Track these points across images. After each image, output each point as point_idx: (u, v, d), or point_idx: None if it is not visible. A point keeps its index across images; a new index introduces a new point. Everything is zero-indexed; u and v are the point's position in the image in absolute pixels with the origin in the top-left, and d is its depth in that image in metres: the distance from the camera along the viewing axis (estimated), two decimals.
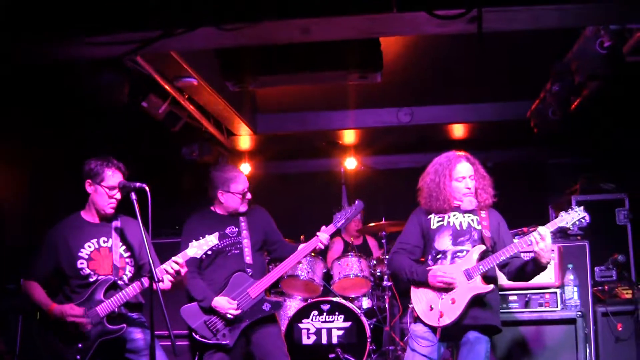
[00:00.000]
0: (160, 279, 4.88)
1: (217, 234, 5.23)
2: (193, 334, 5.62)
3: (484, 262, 5.09)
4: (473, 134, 9.76)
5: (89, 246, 5.03)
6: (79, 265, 4.97)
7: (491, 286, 5.09)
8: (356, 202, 6.00)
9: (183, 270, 4.96)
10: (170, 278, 4.94)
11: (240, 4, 4.33)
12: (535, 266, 5.07)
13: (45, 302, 4.91)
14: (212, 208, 5.94)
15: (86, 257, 5.00)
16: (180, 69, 6.30)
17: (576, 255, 6.91)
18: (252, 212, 5.99)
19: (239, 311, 5.57)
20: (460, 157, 5.37)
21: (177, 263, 4.92)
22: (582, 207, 5.07)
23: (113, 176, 5.03)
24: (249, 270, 5.75)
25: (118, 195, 5.04)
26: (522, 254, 5.22)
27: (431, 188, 5.37)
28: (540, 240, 4.92)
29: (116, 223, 5.17)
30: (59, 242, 5.03)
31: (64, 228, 5.10)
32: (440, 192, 5.32)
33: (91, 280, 4.97)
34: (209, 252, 5.51)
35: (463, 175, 5.31)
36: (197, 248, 5.10)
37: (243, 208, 5.87)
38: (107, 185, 5.01)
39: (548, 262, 5.02)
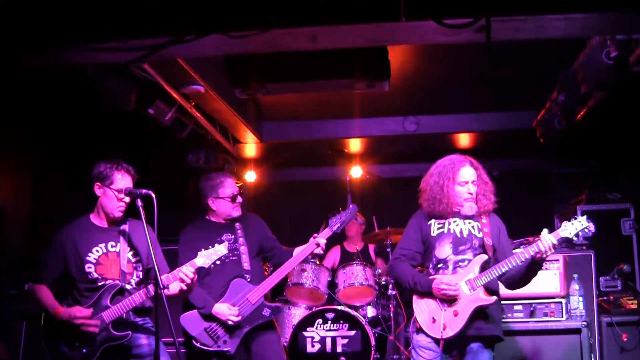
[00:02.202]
0: (166, 285, 4.89)
1: (226, 243, 5.21)
2: (193, 342, 5.61)
3: (486, 272, 5.03)
4: (479, 143, 9.76)
5: (97, 251, 5.02)
6: (87, 270, 4.96)
7: (494, 298, 5.04)
8: (350, 205, 5.98)
9: (195, 277, 4.99)
10: (184, 286, 4.96)
11: (249, 11, 4.34)
12: (531, 269, 5.03)
13: (52, 305, 4.89)
14: (207, 217, 5.95)
15: (94, 261, 4.98)
16: (187, 76, 6.32)
17: (581, 265, 6.91)
18: (247, 219, 6.01)
19: (239, 317, 5.57)
20: (464, 161, 5.32)
21: (191, 272, 4.95)
22: (585, 217, 5.00)
23: (122, 179, 5.01)
24: (247, 276, 5.75)
25: (127, 199, 5.01)
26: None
27: (435, 190, 5.30)
28: (550, 249, 4.88)
29: (124, 227, 5.15)
30: (67, 245, 5.01)
31: (72, 230, 5.08)
32: (443, 195, 5.25)
33: (99, 284, 4.96)
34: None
35: (466, 180, 5.25)
36: (206, 257, 5.06)
37: (236, 212, 5.87)
38: (116, 188, 4.98)
39: (544, 260, 4.98)
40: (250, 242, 5.88)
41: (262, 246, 5.99)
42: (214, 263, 5.19)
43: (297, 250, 5.85)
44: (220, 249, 5.12)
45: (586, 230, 4.99)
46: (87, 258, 4.98)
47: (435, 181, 5.33)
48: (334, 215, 5.94)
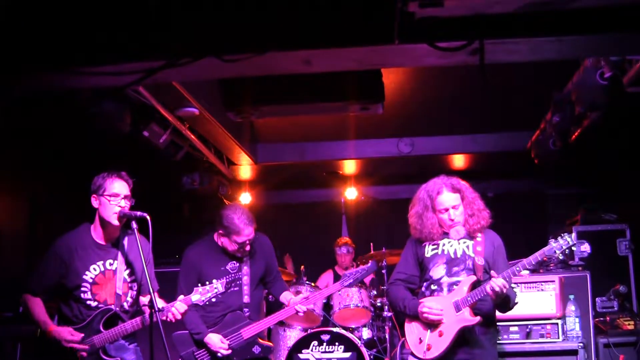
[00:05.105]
0: (161, 309, 4.85)
1: (224, 281, 5.11)
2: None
3: (472, 294, 5.00)
4: (473, 165, 9.78)
5: (94, 269, 4.91)
6: (82, 288, 4.87)
7: (478, 318, 5.00)
8: (369, 262, 6.05)
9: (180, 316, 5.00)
10: (172, 319, 4.94)
11: (243, 35, 4.35)
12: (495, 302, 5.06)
13: (44, 321, 4.81)
14: (215, 238, 5.81)
15: (90, 281, 4.88)
16: (182, 99, 6.32)
17: (577, 286, 6.90)
18: (256, 241, 5.82)
19: (229, 352, 5.57)
20: (442, 187, 5.25)
21: (184, 309, 4.96)
22: (573, 235, 4.96)
23: (115, 184, 4.90)
24: (246, 310, 5.72)
25: (123, 203, 4.89)
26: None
27: (415, 220, 5.32)
28: (502, 287, 4.85)
29: (124, 242, 5.06)
30: (66, 256, 4.89)
31: (71, 242, 4.96)
32: (423, 225, 5.25)
33: (91, 304, 4.88)
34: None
35: (446, 207, 5.20)
36: (201, 295, 5.00)
37: (239, 254, 5.74)
38: (109, 193, 4.87)
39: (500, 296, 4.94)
40: (255, 269, 5.82)
41: (266, 270, 5.94)
42: (209, 300, 5.08)
43: (284, 297, 5.89)
44: (218, 287, 5.03)
45: (573, 248, 4.95)
46: (84, 277, 4.88)
47: (416, 211, 5.34)
48: (350, 270, 5.97)
